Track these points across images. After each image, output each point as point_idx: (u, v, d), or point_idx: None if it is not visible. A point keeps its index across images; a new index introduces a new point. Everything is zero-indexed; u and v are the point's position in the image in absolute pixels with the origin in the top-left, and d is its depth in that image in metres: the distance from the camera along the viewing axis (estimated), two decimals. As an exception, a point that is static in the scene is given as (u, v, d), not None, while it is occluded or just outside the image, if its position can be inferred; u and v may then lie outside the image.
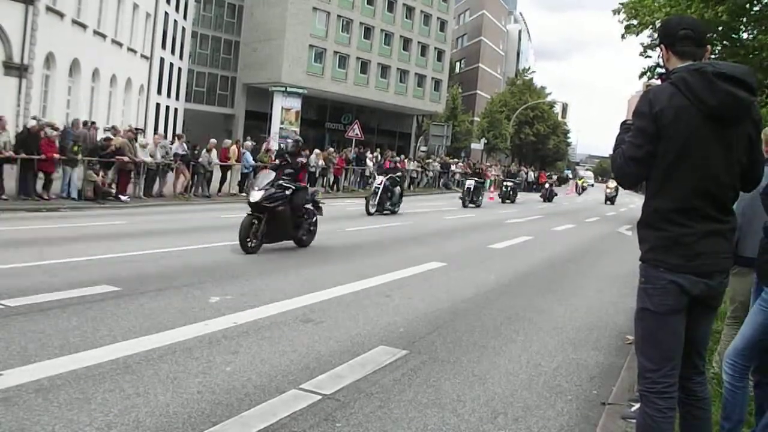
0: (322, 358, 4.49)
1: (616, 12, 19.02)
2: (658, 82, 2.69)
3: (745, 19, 16.73)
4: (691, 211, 2.46)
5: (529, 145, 66.63)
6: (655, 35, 18.41)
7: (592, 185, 57.94)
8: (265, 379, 4.00)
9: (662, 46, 2.65)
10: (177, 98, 42.37)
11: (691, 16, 2.90)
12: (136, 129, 19.27)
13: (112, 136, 15.87)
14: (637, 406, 3.65)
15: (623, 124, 2.72)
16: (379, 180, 17.03)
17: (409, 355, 4.72)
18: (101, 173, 14.98)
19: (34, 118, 16.15)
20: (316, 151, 25.04)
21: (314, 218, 9.91)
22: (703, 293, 2.51)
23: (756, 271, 3.36)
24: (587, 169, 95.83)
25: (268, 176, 9.18)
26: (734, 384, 3.18)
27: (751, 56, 15.68)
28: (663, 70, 2.67)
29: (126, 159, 15.40)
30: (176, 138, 19.95)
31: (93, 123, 20.12)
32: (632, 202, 35.95)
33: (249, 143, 21.47)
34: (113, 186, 15.54)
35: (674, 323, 2.53)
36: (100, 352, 4.24)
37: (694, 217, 2.46)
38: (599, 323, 6.38)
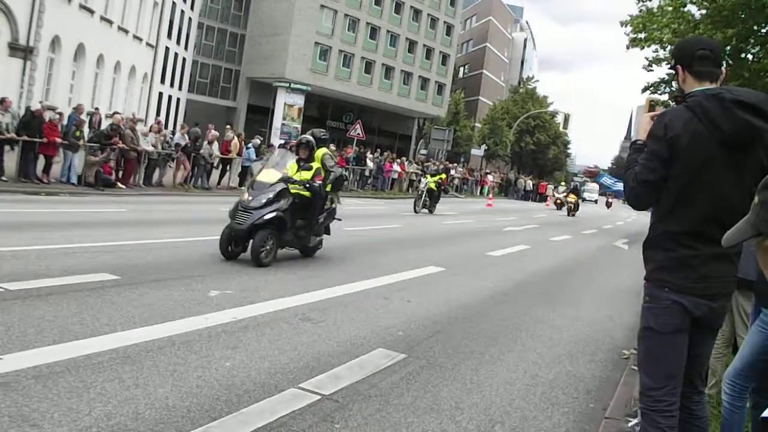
0: (321, 358, 4.49)
1: (624, 24, 19.05)
2: (659, 96, 2.71)
3: (752, 40, 16.75)
4: (700, 234, 2.48)
5: (529, 153, 66.66)
6: (661, 51, 18.45)
7: (595, 201, 55.93)
8: (265, 376, 4.00)
9: (678, 66, 2.63)
10: (180, 88, 42.28)
11: (708, 38, 2.92)
12: (138, 119, 19.19)
13: (115, 123, 15.79)
14: (634, 421, 3.67)
15: (633, 144, 2.72)
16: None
17: (408, 359, 4.73)
18: (99, 153, 14.84)
19: (40, 103, 16.08)
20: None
21: None
22: (705, 315, 2.53)
23: (755, 293, 3.38)
24: (584, 181, 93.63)
25: None
26: (733, 404, 3.21)
27: (752, 80, 15.67)
28: (671, 89, 2.70)
29: (127, 147, 15.35)
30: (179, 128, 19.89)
31: (97, 109, 20.08)
32: (629, 216, 36.03)
33: (257, 140, 21.29)
34: (119, 173, 15.51)
35: (677, 343, 2.55)
36: (100, 340, 4.23)
37: (702, 240, 2.48)
38: (596, 336, 6.40)
